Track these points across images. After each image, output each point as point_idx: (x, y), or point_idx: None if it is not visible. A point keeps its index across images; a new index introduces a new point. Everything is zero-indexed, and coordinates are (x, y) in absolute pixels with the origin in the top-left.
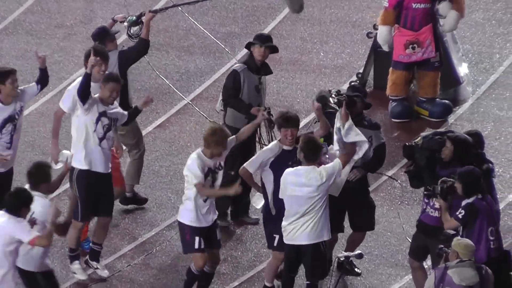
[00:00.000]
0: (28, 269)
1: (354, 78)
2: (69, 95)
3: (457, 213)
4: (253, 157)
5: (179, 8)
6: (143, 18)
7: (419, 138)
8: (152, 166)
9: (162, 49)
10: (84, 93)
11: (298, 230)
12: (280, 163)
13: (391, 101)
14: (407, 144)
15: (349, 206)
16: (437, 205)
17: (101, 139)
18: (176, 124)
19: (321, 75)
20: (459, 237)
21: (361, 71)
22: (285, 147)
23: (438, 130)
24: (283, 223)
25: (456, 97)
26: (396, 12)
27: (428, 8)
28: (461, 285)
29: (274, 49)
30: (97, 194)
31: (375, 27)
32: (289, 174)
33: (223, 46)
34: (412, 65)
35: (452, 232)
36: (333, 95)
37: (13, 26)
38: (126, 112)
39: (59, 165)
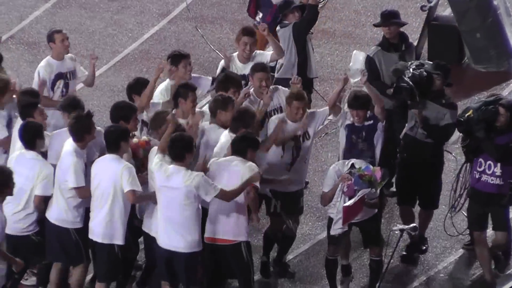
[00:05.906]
0: None
1: None
2: None
3: None
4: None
5: None
6: None
7: (470, 111)
8: None
9: (216, 22)
10: None
11: None
12: (352, 129)
13: None
14: (461, 119)
15: (420, 182)
16: (498, 172)
17: None
18: None
19: None
20: None
21: (415, 44)
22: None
23: (485, 99)
24: None
25: (509, 69)
26: None
27: None
28: None
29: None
30: None
31: (429, 0)
32: None
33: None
34: None
35: None
36: (411, 68)
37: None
38: None
39: None
